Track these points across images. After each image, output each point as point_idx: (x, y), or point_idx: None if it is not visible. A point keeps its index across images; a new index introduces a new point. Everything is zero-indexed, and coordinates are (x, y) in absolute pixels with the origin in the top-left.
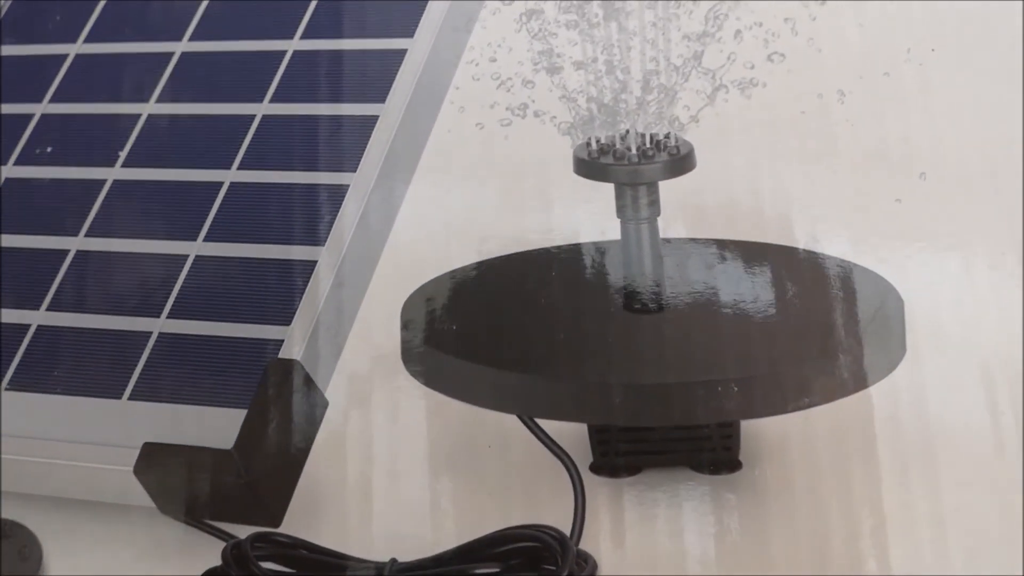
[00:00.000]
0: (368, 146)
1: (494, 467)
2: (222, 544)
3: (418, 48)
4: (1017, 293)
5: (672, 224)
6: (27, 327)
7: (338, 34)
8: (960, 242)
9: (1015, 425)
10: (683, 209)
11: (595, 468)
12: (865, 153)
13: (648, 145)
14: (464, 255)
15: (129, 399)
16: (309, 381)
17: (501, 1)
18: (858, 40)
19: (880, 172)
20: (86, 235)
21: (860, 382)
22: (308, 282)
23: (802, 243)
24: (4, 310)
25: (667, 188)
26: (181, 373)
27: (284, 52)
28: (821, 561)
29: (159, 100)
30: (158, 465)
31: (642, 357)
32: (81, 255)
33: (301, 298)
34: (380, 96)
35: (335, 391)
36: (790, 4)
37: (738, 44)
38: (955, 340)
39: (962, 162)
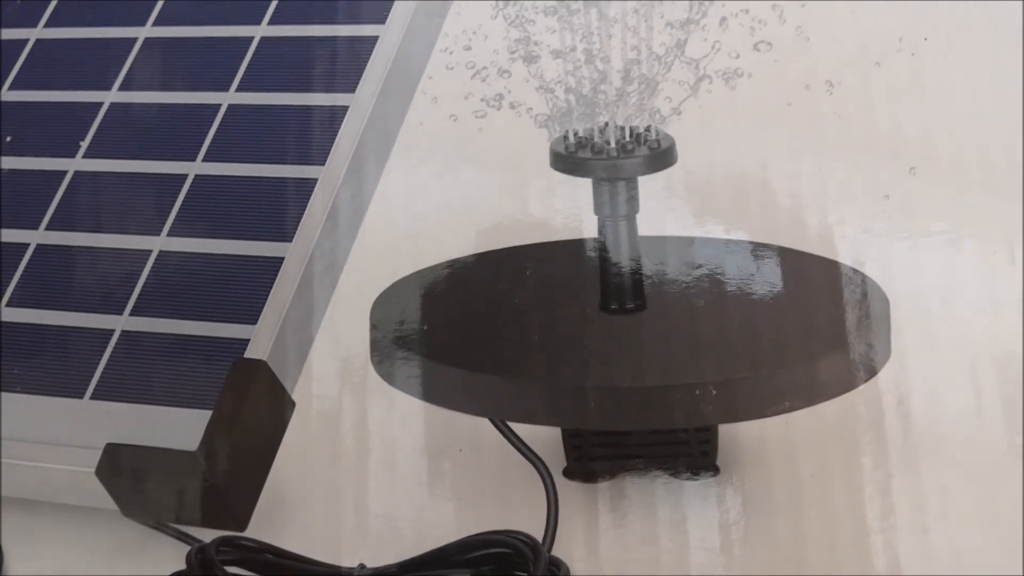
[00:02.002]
0: (337, 138)
1: (465, 471)
2: (186, 548)
3: (390, 35)
4: (1009, 290)
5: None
6: None
7: (307, 20)
8: (952, 237)
9: (1006, 423)
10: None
11: (568, 473)
12: (854, 146)
13: (628, 139)
14: (436, 252)
15: (91, 398)
16: (276, 381)
17: None
18: (849, 29)
19: (870, 166)
20: (46, 228)
21: (843, 385)
22: (275, 279)
23: (785, 241)
24: None
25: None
26: (144, 372)
27: (251, 39)
28: (801, 566)
29: (121, 88)
30: (121, 467)
31: (618, 359)
32: (41, 249)
33: (268, 296)
34: (350, 86)
35: (302, 392)
36: None
37: (723, 32)
38: (943, 338)
39: (955, 155)
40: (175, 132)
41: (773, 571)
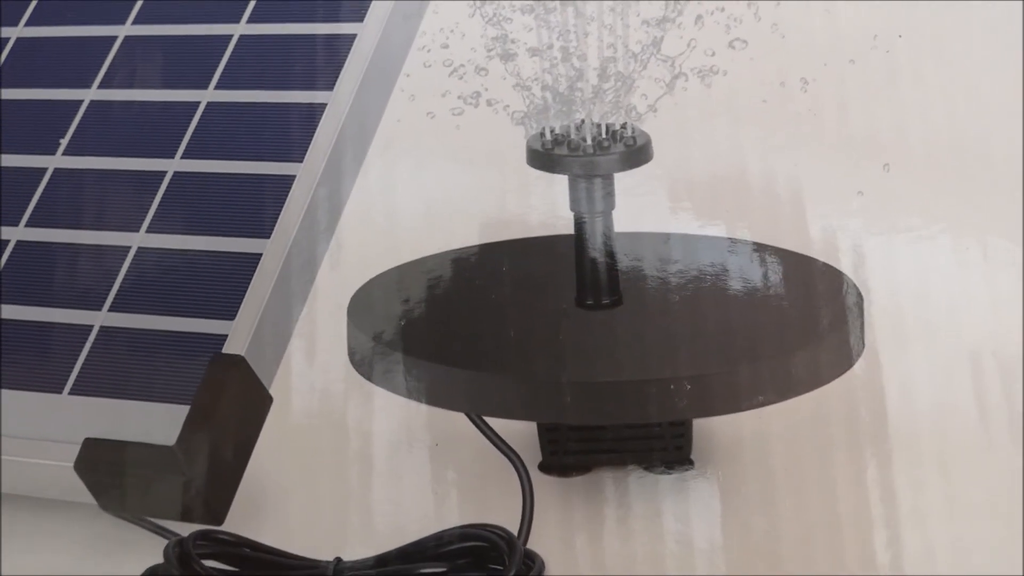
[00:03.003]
0: (316, 135)
1: (441, 466)
2: (164, 542)
3: (368, 33)
4: (982, 285)
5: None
6: None
7: (285, 18)
8: (925, 233)
9: (980, 417)
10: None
11: (544, 467)
12: (829, 143)
13: (604, 136)
14: (413, 249)
15: (70, 393)
16: (253, 377)
17: None
18: (824, 26)
19: (844, 162)
20: (26, 225)
21: (816, 380)
22: (253, 276)
23: (759, 236)
24: None
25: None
26: (123, 367)
27: (230, 36)
28: (774, 560)
29: (101, 86)
30: (99, 461)
31: (593, 354)
32: (21, 246)
33: (246, 292)
34: (329, 83)
35: (280, 387)
36: None
37: (699, 30)
38: (917, 332)
39: (929, 152)
40: (154, 129)
41: (746, 565)
